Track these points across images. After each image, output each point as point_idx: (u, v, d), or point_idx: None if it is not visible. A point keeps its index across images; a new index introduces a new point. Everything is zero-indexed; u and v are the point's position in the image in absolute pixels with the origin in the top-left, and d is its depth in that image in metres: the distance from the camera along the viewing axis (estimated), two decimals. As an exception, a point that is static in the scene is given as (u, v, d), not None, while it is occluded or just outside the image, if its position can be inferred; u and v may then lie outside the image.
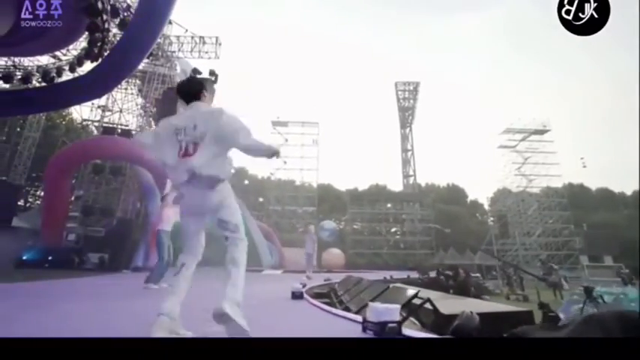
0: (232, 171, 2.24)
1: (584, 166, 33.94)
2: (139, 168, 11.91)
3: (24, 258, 11.34)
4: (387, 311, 2.12)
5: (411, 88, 39.14)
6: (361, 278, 6.00)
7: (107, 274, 10.13)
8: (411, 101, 39.61)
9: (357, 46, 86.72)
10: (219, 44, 12.65)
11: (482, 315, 2.76)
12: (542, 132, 34.28)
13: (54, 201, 12.20)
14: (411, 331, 2.11)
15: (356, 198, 37.16)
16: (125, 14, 10.43)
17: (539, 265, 23.03)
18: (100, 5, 8.78)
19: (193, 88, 2.32)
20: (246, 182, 34.81)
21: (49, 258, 11.34)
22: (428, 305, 3.30)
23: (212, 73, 12.75)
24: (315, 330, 2.61)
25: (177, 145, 2.08)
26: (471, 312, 2.68)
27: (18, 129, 16.47)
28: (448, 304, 3.60)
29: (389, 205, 36.96)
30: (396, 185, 43.71)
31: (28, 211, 16.74)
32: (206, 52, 12.98)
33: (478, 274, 17.07)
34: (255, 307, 3.42)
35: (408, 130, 40.55)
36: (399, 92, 40.01)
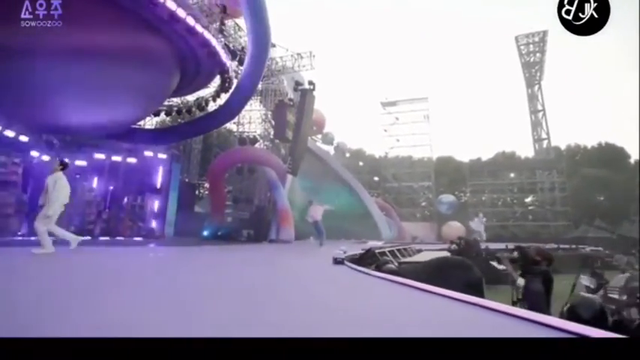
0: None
1: None
2: (266, 168, 15.98)
3: (204, 234, 16.40)
4: (338, 252, 4.34)
5: (537, 39, 34.00)
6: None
7: (253, 244, 14.40)
8: (538, 55, 34.51)
9: (458, 8, 76.61)
10: (314, 56, 15.23)
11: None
12: None
13: (216, 194, 17.26)
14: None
15: (475, 169, 35.46)
16: (240, 54, 13.94)
17: None
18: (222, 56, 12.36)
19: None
20: (361, 164, 37.34)
21: (219, 233, 16.07)
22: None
23: (310, 82, 15.52)
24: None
25: None
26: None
27: (188, 140, 22.60)
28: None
29: (512, 175, 34.02)
30: (526, 151, 39.08)
31: (202, 200, 23.20)
32: (304, 66, 15.77)
33: (600, 248, 15.26)
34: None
35: (536, 88, 35.76)
36: (522, 47, 35.24)
